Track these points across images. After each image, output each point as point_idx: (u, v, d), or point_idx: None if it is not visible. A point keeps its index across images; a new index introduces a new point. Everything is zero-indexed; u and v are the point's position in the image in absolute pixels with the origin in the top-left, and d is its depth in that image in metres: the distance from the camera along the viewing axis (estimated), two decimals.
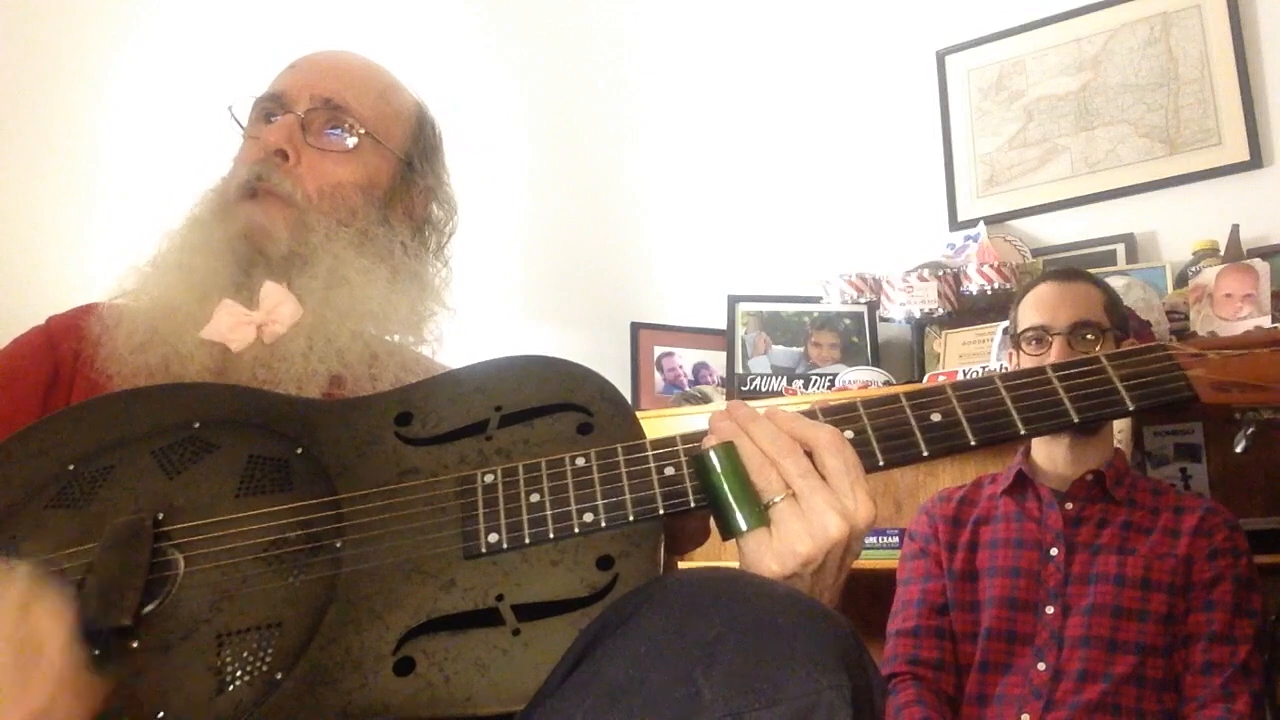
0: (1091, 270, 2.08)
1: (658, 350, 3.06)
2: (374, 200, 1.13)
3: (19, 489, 0.82)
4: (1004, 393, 0.80)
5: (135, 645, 0.72)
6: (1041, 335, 1.92)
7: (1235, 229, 2.41)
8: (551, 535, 0.76)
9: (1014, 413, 0.79)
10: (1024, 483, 1.94)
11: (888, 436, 0.79)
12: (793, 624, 0.63)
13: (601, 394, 0.86)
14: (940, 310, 2.67)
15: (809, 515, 0.74)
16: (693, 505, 0.78)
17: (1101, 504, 1.86)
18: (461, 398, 0.86)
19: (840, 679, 0.61)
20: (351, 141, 1.12)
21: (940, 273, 2.69)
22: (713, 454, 0.76)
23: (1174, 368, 0.81)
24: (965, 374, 2.54)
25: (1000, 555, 1.89)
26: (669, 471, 0.79)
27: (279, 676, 0.70)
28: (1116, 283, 2.17)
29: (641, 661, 0.63)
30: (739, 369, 2.92)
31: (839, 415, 0.81)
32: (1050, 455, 1.95)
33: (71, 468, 0.84)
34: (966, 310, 2.69)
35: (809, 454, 0.76)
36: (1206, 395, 0.78)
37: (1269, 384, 0.79)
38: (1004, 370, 2.30)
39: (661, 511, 0.77)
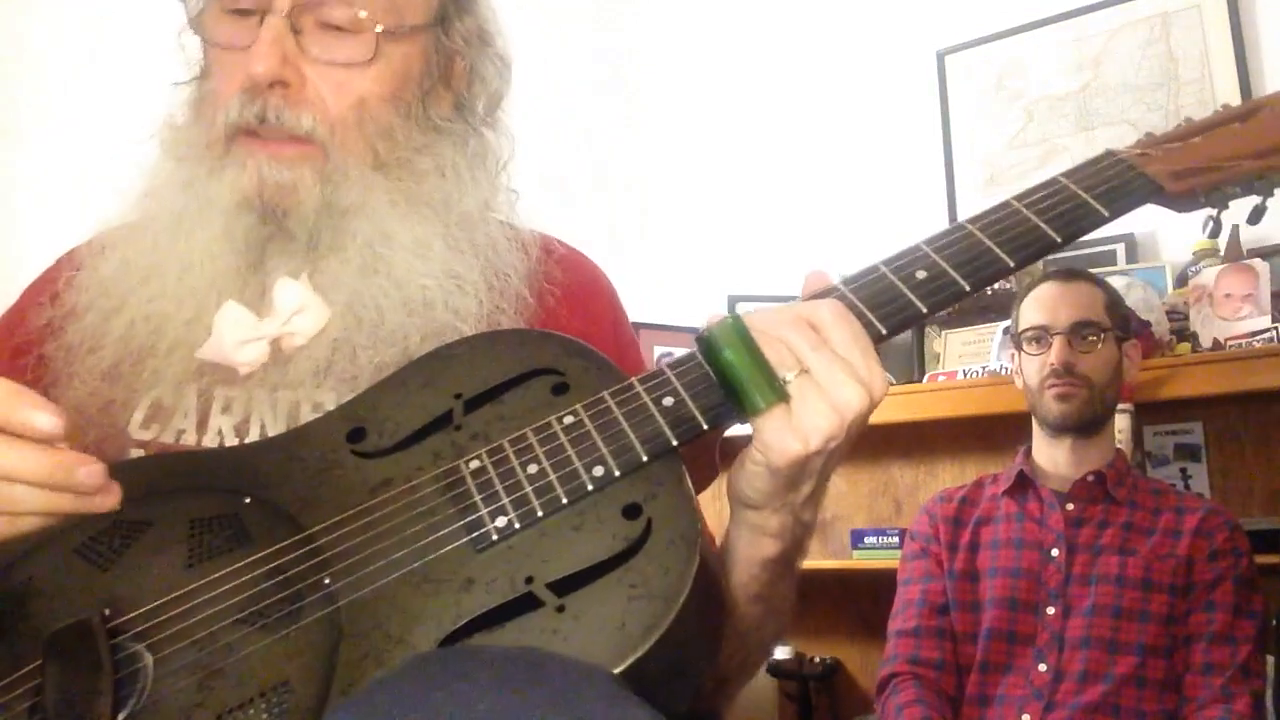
0: (1091, 270, 2.08)
1: (657, 350, 3.05)
2: (409, 103, 0.90)
3: None
4: (979, 234, 0.77)
5: None
6: (1042, 335, 1.92)
7: (1235, 229, 2.41)
8: (565, 500, 0.69)
9: (996, 249, 0.77)
10: (1025, 483, 1.94)
11: (879, 304, 0.75)
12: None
13: (565, 350, 0.78)
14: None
15: (828, 389, 0.68)
16: (705, 426, 0.71)
17: (1103, 505, 1.86)
18: (412, 397, 0.78)
19: None
20: (366, 47, 0.86)
21: None
22: (717, 329, 0.70)
23: (1130, 169, 0.81)
24: (965, 374, 2.54)
25: (1001, 556, 1.89)
26: (668, 402, 0.72)
27: None
28: (1117, 283, 2.17)
29: None
30: None
31: (820, 297, 0.76)
32: (1051, 456, 1.95)
33: None
34: (966, 310, 2.69)
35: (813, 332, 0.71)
36: (1170, 185, 0.80)
37: (1220, 163, 0.81)
38: (1006, 362, 2.29)
39: (674, 442, 0.70)
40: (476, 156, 0.95)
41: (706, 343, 0.72)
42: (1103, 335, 1.89)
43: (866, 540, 2.69)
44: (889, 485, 2.86)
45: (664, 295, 3.27)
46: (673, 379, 0.73)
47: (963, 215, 3.23)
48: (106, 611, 0.67)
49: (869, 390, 0.69)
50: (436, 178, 0.90)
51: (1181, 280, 2.48)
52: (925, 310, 0.75)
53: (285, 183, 0.84)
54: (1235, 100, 2.58)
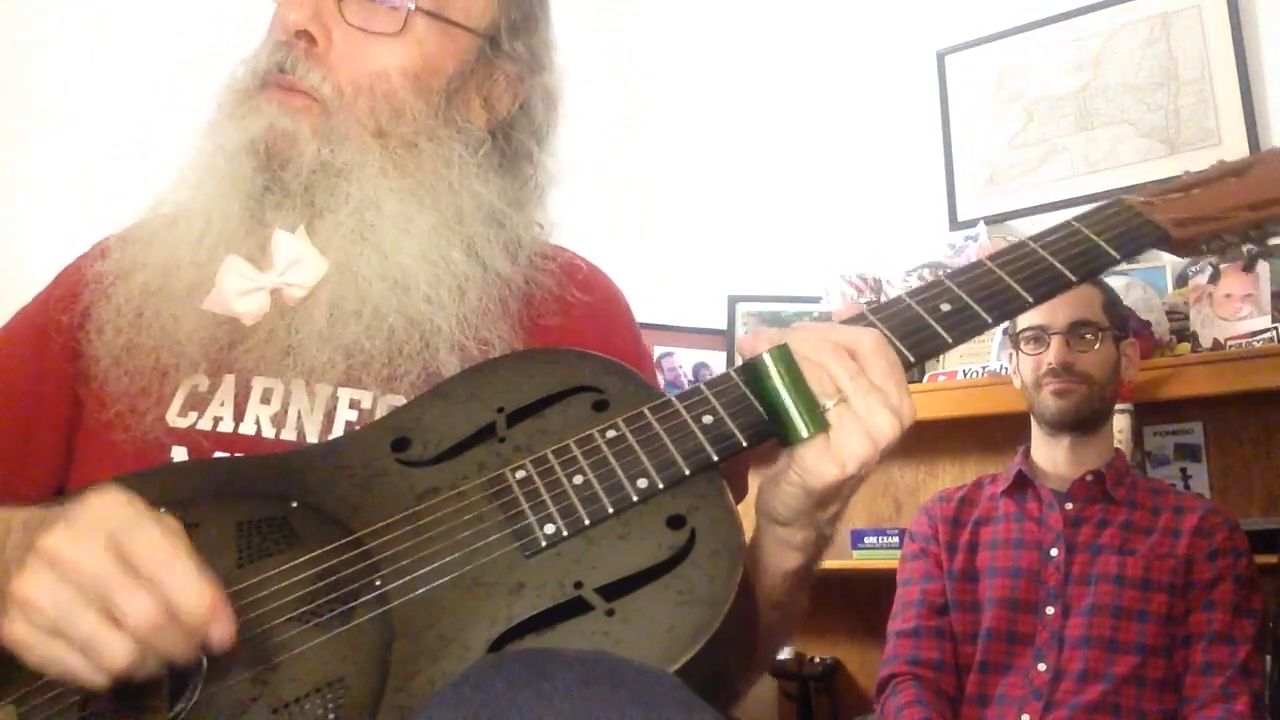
0: None
1: (658, 350, 3.06)
2: (432, 93, 0.90)
3: None
4: (999, 271, 0.81)
5: None
6: (1040, 334, 1.92)
7: None
8: (611, 510, 0.71)
9: (1015, 286, 0.80)
10: (1024, 483, 1.94)
11: (907, 334, 0.78)
12: None
13: (604, 368, 0.81)
14: None
15: (866, 418, 0.72)
16: (745, 445, 0.74)
17: (1102, 504, 1.86)
18: (456, 409, 0.80)
19: None
20: (397, 19, 0.88)
21: (940, 272, 2.68)
22: (768, 358, 0.72)
23: (1138, 215, 0.86)
24: (965, 374, 2.55)
25: (1000, 556, 1.89)
26: (707, 420, 0.74)
27: None
28: (1116, 283, 2.17)
29: None
30: None
31: (851, 324, 0.79)
32: (1050, 455, 1.95)
33: None
34: None
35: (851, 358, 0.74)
36: (1175, 233, 0.86)
37: (1221, 214, 0.87)
38: (1006, 362, 2.29)
39: (715, 459, 0.73)
40: (492, 167, 0.94)
41: (754, 370, 0.74)
42: (1100, 334, 1.89)
43: (866, 540, 2.69)
44: (889, 485, 2.86)
45: (664, 295, 3.27)
46: (711, 398, 0.76)
47: (962, 216, 3.22)
48: None
49: (900, 419, 0.72)
50: (437, 164, 0.89)
51: (1181, 280, 2.48)
52: (951, 341, 0.79)
53: (287, 130, 0.86)
54: (1235, 100, 2.59)
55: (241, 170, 0.86)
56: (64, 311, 0.90)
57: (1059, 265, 0.82)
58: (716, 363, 3.08)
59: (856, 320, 0.80)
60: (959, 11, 3.05)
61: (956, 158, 3.00)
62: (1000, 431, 2.45)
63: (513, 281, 0.91)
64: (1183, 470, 2.39)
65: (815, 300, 2.94)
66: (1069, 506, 1.88)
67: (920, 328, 0.78)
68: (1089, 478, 1.88)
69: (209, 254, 0.86)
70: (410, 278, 0.85)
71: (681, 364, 3.08)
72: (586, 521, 0.71)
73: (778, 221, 3.24)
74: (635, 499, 0.72)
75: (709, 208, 3.38)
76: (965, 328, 0.79)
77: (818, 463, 0.72)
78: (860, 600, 2.74)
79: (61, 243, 1.03)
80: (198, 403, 0.87)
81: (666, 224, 3.40)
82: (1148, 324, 2.29)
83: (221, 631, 0.61)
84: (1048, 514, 1.88)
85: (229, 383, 0.88)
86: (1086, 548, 1.83)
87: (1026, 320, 1.94)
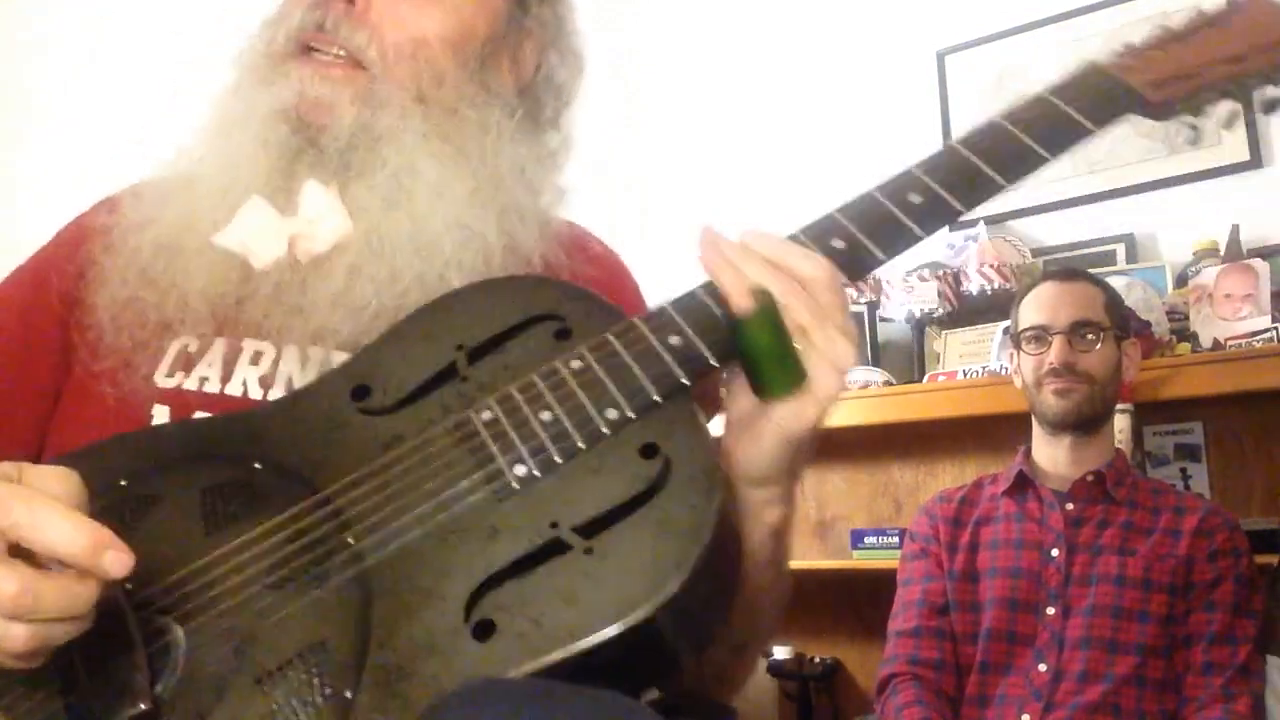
0: (1091, 270, 2.08)
1: None
2: (468, 58, 0.90)
3: None
4: (968, 153, 0.79)
5: None
6: (1041, 335, 1.92)
7: (1235, 229, 2.41)
8: (582, 445, 0.69)
9: (986, 168, 0.79)
10: (1025, 483, 1.94)
11: (873, 230, 0.76)
12: None
13: (564, 294, 0.78)
14: (940, 310, 2.66)
15: (829, 350, 0.71)
16: (714, 363, 0.72)
17: (1102, 505, 1.86)
18: (413, 351, 0.77)
19: None
20: None
21: (940, 272, 2.69)
22: (759, 318, 0.71)
23: (1113, 81, 0.83)
24: (965, 374, 2.55)
25: (1001, 556, 1.89)
26: (674, 341, 0.72)
27: (348, 694, 0.62)
28: (1116, 283, 2.17)
29: None
30: None
31: (819, 231, 0.79)
32: (1051, 455, 1.95)
33: None
34: (966, 310, 2.69)
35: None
36: (1150, 95, 0.82)
37: (1198, 69, 0.83)
38: (1006, 362, 2.29)
39: (685, 381, 0.71)
40: (525, 132, 0.94)
41: (740, 330, 0.71)
42: (1102, 334, 1.89)
43: (866, 540, 2.69)
44: (889, 485, 2.86)
45: (664, 295, 3.27)
46: (677, 317, 0.74)
47: (962, 215, 3.21)
48: (128, 586, 0.64)
49: (853, 341, 0.72)
50: (477, 130, 0.89)
51: (1181, 280, 2.48)
52: (922, 233, 0.77)
53: (323, 99, 0.85)
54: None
55: (275, 133, 0.85)
56: (61, 274, 0.89)
57: (1031, 143, 0.79)
58: None
59: (824, 224, 0.80)
60: (959, 11, 3.05)
61: None
62: (1000, 431, 2.45)
63: (537, 250, 0.90)
64: (1183, 470, 2.39)
65: None
66: (1070, 507, 1.88)
67: (890, 220, 0.77)
68: (1090, 478, 1.88)
69: (231, 210, 0.84)
70: (437, 242, 0.84)
71: None
72: (558, 459, 0.68)
73: (778, 221, 3.23)
74: (606, 431, 0.69)
75: (709, 208, 3.38)
76: (936, 219, 0.77)
77: (799, 405, 0.70)
78: (860, 600, 2.74)
79: None
80: (186, 363, 0.86)
81: (666, 224, 3.39)
82: (1148, 324, 2.29)
83: (114, 561, 0.58)
84: (1048, 514, 1.88)
85: (219, 345, 0.86)
86: (1087, 548, 1.83)
87: (1028, 320, 1.95)
